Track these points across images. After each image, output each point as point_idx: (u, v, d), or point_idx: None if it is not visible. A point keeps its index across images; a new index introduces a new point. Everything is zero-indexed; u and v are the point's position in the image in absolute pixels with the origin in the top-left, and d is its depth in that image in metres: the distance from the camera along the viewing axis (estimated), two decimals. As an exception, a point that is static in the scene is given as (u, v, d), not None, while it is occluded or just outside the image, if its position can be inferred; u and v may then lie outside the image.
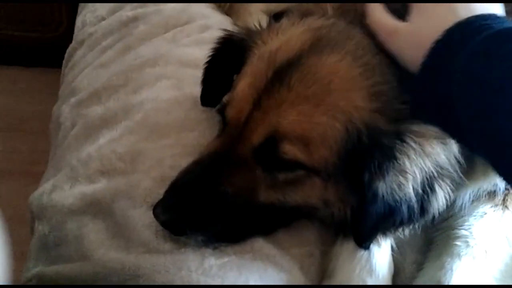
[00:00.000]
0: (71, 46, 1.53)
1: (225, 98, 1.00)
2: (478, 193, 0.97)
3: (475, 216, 0.95)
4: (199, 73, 1.05)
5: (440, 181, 0.82)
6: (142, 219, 0.89)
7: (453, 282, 0.85)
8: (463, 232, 0.93)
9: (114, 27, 1.44)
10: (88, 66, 1.34)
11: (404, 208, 0.80)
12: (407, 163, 0.79)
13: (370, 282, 0.85)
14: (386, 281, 0.88)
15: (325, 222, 0.91)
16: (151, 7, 1.50)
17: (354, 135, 0.79)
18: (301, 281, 0.87)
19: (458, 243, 0.91)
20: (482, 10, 0.78)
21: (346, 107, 0.79)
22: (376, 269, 0.87)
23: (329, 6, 0.99)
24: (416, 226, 0.85)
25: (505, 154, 0.69)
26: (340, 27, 0.89)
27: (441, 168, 0.82)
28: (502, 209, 0.98)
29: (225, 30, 1.02)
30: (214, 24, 1.40)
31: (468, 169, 0.88)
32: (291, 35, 0.88)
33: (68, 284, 0.87)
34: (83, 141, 1.11)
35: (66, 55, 1.53)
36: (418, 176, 0.80)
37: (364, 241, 0.85)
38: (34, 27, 2.62)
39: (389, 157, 0.79)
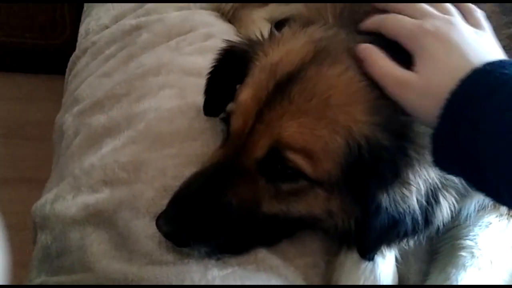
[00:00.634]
0: (74, 54, 1.53)
1: (228, 108, 1.00)
2: (483, 203, 0.96)
3: (480, 226, 0.95)
4: (202, 82, 1.05)
5: (445, 192, 0.82)
6: (145, 230, 0.89)
7: (459, 293, 0.84)
8: (468, 242, 0.92)
9: (117, 36, 1.44)
10: (91, 75, 1.34)
11: (408, 219, 0.80)
12: (410, 175, 0.79)
13: (374, 294, 0.85)
14: (391, 290, 0.87)
15: (329, 233, 0.91)
16: (154, 15, 1.50)
17: (355, 149, 0.79)
18: (305, 292, 0.87)
19: (463, 253, 0.91)
20: (493, 56, 0.76)
21: (346, 121, 0.79)
22: (381, 280, 0.86)
23: (330, 15, 0.99)
24: (421, 237, 0.85)
25: None
26: (341, 39, 0.89)
27: (445, 179, 0.82)
28: (507, 219, 0.97)
29: (227, 40, 1.02)
30: (217, 32, 1.40)
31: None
32: (292, 47, 0.88)
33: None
34: (86, 150, 1.11)
35: (69, 63, 1.53)
36: (422, 187, 0.80)
37: (368, 252, 0.85)
38: (38, 34, 2.63)
39: (391, 170, 0.78)
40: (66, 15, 2.56)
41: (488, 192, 0.75)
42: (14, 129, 2.32)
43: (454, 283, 0.86)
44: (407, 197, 0.79)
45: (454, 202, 0.83)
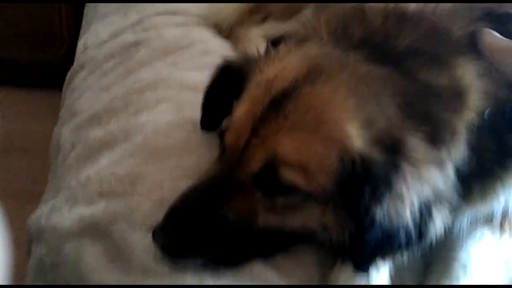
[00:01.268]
0: (72, 68, 1.55)
1: (223, 123, 1.01)
2: (476, 217, 0.97)
3: (473, 239, 0.96)
4: (199, 97, 1.07)
5: (438, 206, 0.83)
6: (141, 242, 0.89)
7: (452, 306, 0.85)
8: (461, 255, 0.93)
9: (115, 51, 1.46)
10: (89, 89, 1.36)
11: (402, 233, 0.81)
12: (404, 189, 0.80)
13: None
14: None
15: (324, 246, 0.91)
16: (153, 31, 1.52)
17: (349, 163, 0.80)
18: (300, 305, 0.87)
19: (456, 266, 0.91)
20: None
21: (339, 137, 0.81)
22: (374, 291, 0.87)
23: (324, 32, 1.01)
24: (415, 250, 0.86)
25: None
26: (334, 56, 0.90)
27: (439, 193, 0.83)
28: (500, 232, 0.98)
29: (224, 56, 1.04)
30: (214, 49, 1.43)
31: (465, 193, 0.89)
32: (287, 64, 0.90)
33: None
34: (82, 163, 1.11)
35: (67, 78, 1.54)
36: (415, 201, 0.80)
37: (362, 265, 0.86)
38: (36, 48, 2.65)
39: (384, 184, 0.79)
40: (64, 29, 2.58)
41: None
42: (12, 143, 2.32)
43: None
44: (401, 211, 0.80)
45: (448, 216, 0.84)
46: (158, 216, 0.88)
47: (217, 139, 1.03)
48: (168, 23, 1.53)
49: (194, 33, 1.53)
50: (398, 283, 0.93)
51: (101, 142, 1.15)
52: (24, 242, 1.05)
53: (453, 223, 0.95)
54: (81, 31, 1.75)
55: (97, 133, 1.18)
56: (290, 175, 0.81)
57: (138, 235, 0.91)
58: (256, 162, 0.84)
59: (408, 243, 0.82)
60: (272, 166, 0.82)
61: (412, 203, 0.80)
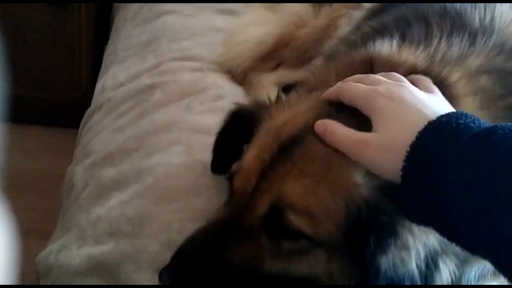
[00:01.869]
0: (89, 109, 1.60)
1: (233, 167, 1.03)
2: (484, 271, 0.96)
3: (480, 293, 0.94)
4: (210, 140, 1.09)
5: (444, 257, 0.82)
6: (147, 283, 0.90)
7: None
8: (468, 309, 0.91)
9: (132, 93, 1.50)
10: (104, 129, 1.39)
11: (408, 283, 0.80)
12: (410, 239, 0.80)
13: None
14: None
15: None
16: (168, 76, 1.57)
17: (355, 211, 0.81)
18: None
19: (463, 320, 0.90)
20: (446, 110, 0.80)
21: (346, 185, 0.82)
22: None
23: (333, 81, 1.04)
24: (421, 302, 0.85)
25: (505, 252, 0.68)
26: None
27: (445, 243, 0.82)
28: (503, 284, 0.97)
29: (236, 103, 1.07)
30: (227, 94, 1.46)
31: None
32: (297, 111, 0.92)
33: None
34: (93, 202, 1.13)
35: (84, 118, 1.59)
36: (421, 252, 0.80)
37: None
38: (55, 89, 2.73)
39: (390, 233, 0.80)
40: (83, 72, 2.67)
41: (462, 244, 0.76)
42: (27, 181, 2.36)
43: None
44: (406, 261, 0.79)
45: (454, 268, 0.84)
46: (165, 257, 0.89)
47: (226, 182, 1.04)
48: (183, 68, 1.58)
49: (208, 78, 1.57)
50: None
51: (113, 182, 1.17)
52: (32, 280, 1.06)
53: (460, 276, 0.94)
54: (100, 74, 1.81)
55: (109, 173, 1.21)
56: (296, 220, 0.82)
57: (145, 276, 0.92)
58: (263, 205, 0.85)
59: None
60: (278, 209, 0.83)
61: (418, 254, 0.80)
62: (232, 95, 1.43)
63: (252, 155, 0.90)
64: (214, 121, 1.14)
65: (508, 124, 0.73)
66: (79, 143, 1.49)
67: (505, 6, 1.09)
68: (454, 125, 0.75)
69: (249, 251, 0.86)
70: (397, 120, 0.81)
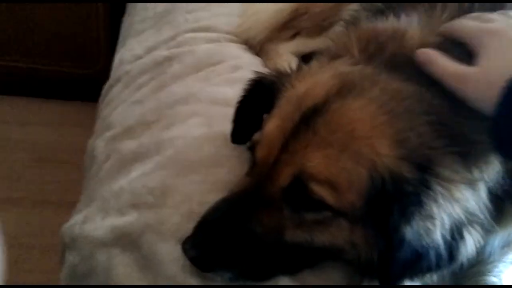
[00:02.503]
0: (108, 82, 1.60)
1: (255, 137, 1.03)
2: (508, 239, 0.95)
3: (504, 262, 0.93)
4: (229, 111, 1.08)
5: (469, 227, 0.82)
6: (170, 254, 0.91)
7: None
8: (492, 279, 0.91)
9: (149, 66, 1.50)
10: (123, 103, 1.39)
11: (432, 254, 0.80)
12: (434, 209, 0.79)
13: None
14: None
15: (351, 264, 0.91)
16: (185, 47, 1.55)
17: (378, 181, 0.80)
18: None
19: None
20: None
21: (369, 155, 0.80)
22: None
23: (356, 50, 1.02)
24: (444, 272, 0.84)
25: None
26: (366, 73, 0.91)
27: (470, 214, 0.81)
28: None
29: (256, 72, 1.05)
30: (245, 64, 1.44)
31: (497, 214, 0.87)
32: (318, 80, 0.91)
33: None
34: (115, 174, 1.14)
35: (103, 91, 1.59)
36: (446, 222, 0.80)
37: (389, 284, 0.85)
38: (73, 63, 2.74)
39: (414, 203, 0.79)
40: (101, 45, 2.67)
41: None
42: (48, 153, 2.40)
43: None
44: (431, 231, 0.79)
45: (479, 238, 0.83)
46: (187, 228, 0.90)
47: (247, 153, 1.04)
48: (200, 39, 1.56)
49: (225, 49, 1.55)
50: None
51: (134, 154, 1.17)
52: (58, 251, 1.08)
53: (484, 246, 0.94)
54: (118, 47, 1.80)
55: (130, 145, 1.21)
56: (319, 191, 0.82)
57: (167, 247, 0.92)
58: (285, 177, 0.84)
59: (438, 264, 0.81)
60: (300, 181, 0.83)
61: (442, 224, 0.79)
62: (250, 66, 1.41)
63: (273, 125, 0.89)
64: (232, 92, 1.13)
65: None
66: (99, 116, 1.49)
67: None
68: None
69: (271, 221, 0.86)
70: (500, 57, 0.85)
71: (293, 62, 1.46)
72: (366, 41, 1.00)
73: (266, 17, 1.64)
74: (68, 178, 1.95)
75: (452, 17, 1.00)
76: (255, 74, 1.05)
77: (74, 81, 2.75)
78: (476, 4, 1.03)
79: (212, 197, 0.94)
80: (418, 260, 0.80)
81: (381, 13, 1.15)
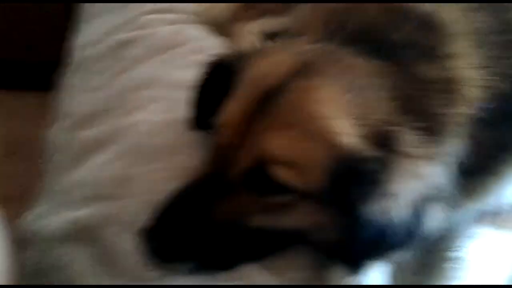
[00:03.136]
0: (64, 69, 1.53)
1: (214, 121, 0.99)
2: (476, 214, 0.94)
3: (469, 237, 0.93)
4: (192, 95, 1.04)
5: (433, 203, 0.80)
6: (130, 246, 0.88)
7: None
8: (457, 254, 0.90)
9: (109, 50, 1.43)
10: (81, 90, 1.33)
11: (396, 232, 0.78)
12: (396, 186, 0.77)
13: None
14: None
15: (318, 247, 0.89)
16: (147, 29, 1.49)
17: (340, 161, 0.78)
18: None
19: (452, 265, 0.89)
20: None
21: (330, 134, 0.78)
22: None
23: (319, 27, 0.98)
24: (410, 249, 0.83)
25: None
26: (327, 50, 0.87)
27: (434, 189, 0.80)
28: (500, 229, 0.96)
29: (216, 54, 1.01)
30: (209, 46, 1.40)
31: (464, 189, 0.86)
32: (278, 60, 0.87)
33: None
34: (73, 165, 1.09)
35: (59, 78, 1.52)
36: (409, 198, 0.78)
37: (356, 266, 0.83)
38: (26, 50, 2.62)
39: (376, 181, 0.77)
40: (56, 30, 2.54)
41: None
42: (6, 147, 2.31)
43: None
44: (393, 209, 0.77)
45: (444, 213, 0.82)
46: (148, 218, 0.86)
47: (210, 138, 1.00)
48: (161, 21, 1.50)
49: (187, 31, 1.49)
50: (395, 283, 0.90)
51: (93, 143, 1.13)
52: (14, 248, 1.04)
53: (451, 221, 0.93)
54: (74, 32, 1.72)
55: (89, 133, 1.16)
56: (281, 173, 0.79)
57: (127, 238, 0.89)
58: (246, 161, 0.81)
59: (403, 241, 0.80)
60: (262, 164, 0.80)
61: (405, 200, 0.78)
62: (214, 48, 1.37)
63: (232, 108, 0.86)
64: (196, 75, 1.09)
65: None
66: (56, 104, 1.43)
67: None
68: None
69: (233, 207, 0.83)
70: None
71: (257, 42, 1.42)
72: (327, 18, 0.97)
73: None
74: (22, 172, 1.88)
75: None
76: (214, 56, 1.01)
77: (28, 69, 2.63)
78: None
79: (174, 185, 0.90)
80: (381, 239, 0.78)
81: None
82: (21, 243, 1.02)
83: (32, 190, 1.28)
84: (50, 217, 0.98)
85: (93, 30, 1.55)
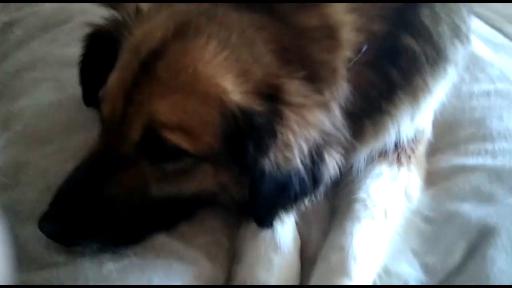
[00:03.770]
0: None
1: (100, 94, 0.95)
2: (371, 155, 0.98)
3: (371, 177, 0.97)
4: (81, 72, 0.99)
5: (329, 149, 0.81)
6: (31, 234, 0.83)
7: (354, 245, 0.86)
8: (361, 195, 0.94)
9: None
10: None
11: (295, 181, 0.79)
12: (290, 136, 0.78)
13: (276, 259, 0.85)
14: (292, 254, 0.87)
15: (227, 208, 0.89)
16: (27, 9, 1.39)
17: (230, 118, 0.77)
18: (209, 269, 0.85)
19: (357, 206, 0.92)
20: None
21: (216, 94, 0.77)
22: (281, 245, 0.86)
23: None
24: (313, 196, 0.85)
25: None
26: (203, 9, 0.85)
27: (327, 135, 0.81)
28: (398, 166, 1.01)
29: (91, 24, 0.96)
30: (96, 19, 1.33)
31: (357, 131, 0.89)
32: (154, 23, 0.85)
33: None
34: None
35: None
36: (304, 147, 0.79)
37: (264, 220, 0.84)
38: None
39: (268, 134, 0.77)
40: None
41: None
42: None
43: (349, 236, 0.87)
44: (289, 158, 0.78)
45: (341, 158, 0.83)
46: (47, 204, 0.82)
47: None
48: (43, -2, 1.41)
49: (73, 6, 1.41)
50: (305, 231, 0.93)
51: (-19, 133, 1.04)
52: None
53: (352, 165, 0.96)
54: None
55: (-25, 125, 1.07)
56: (172, 138, 0.77)
57: (28, 227, 0.84)
58: (135, 131, 0.79)
59: (304, 190, 0.81)
60: (152, 132, 0.78)
61: (300, 149, 0.78)
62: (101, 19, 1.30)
63: (114, 79, 0.83)
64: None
65: None
66: None
67: None
68: None
69: (130, 180, 0.81)
70: None
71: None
72: None
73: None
74: None
75: None
76: (90, 27, 0.96)
77: None
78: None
79: (70, 166, 0.86)
80: (283, 190, 0.79)
81: None
82: None
83: None
84: None
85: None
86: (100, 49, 0.94)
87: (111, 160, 0.80)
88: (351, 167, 0.97)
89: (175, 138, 0.77)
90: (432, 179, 1.05)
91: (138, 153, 0.80)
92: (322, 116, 0.80)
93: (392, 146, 0.98)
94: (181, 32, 0.81)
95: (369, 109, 0.91)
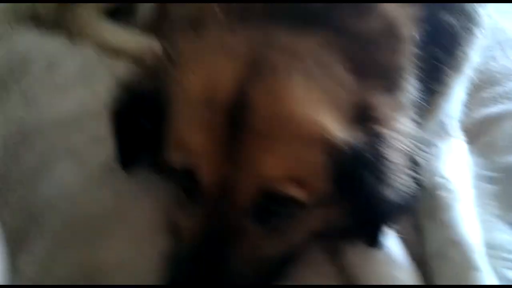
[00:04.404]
0: None
1: (163, 158, 0.79)
2: (432, 133, 0.98)
3: (440, 160, 0.97)
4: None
5: (418, 151, 0.80)
6: None
7: (463, 235, 0.86)
8: (439, 180, 0.94)
9: None
10: None
11: (406, 193, 0.77)
12: (393, 154, 0.75)
13: (398, 274, 0.83)
14: (408, 263, 0.85)
15: (325, 239, 0.84)
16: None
17: (338, 156, 0.71)
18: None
19: (442, 193, 0.92)
20: None
21: (319, 132, 0.70)
22: (397, 258, 0.84)
23: (217, 11, 0.83)
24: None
25: None
26: (261, 40, 0.75)
27: (413, 137, 0.79)
28: (447, 137, 1.02)
29: (119, 79, 0.82)
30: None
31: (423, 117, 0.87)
32: (215, 67, 0.73)
33: None
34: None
35: None
36: (404, 159, 0.77)
37: (375, 240, 0.82)
38: None
39: (377, 159, 0.73)
40: None
41: None
42: None
43: (456, 227, 0.86)
44: (401, 178, 0.76)
45: (427, 154, 0.83)
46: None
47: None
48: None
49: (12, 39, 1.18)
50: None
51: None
52: None
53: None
54: None
55: None
56: (289, 193, 0.70)
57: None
58: (246, 196, 0.70)
59: (413, 198, 0.79)
60: (266, 193, 0.70)
61: (404, 164, 0.76)
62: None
63: (196, 140, 0.71)
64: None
65: None
66: None
67: None
68: None
69: (249, 248, 0.72)
70: None
71: (112, 31, 1.21)
72: None
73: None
74: None
75: None
76: (118, 80, 0.82)
77: None
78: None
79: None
80: (399, 208, 0.78)
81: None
82: None
83: None
84: None
85: None
86: (132, 105, 0.81)
87: (225, 232, 0.72)
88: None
89: (290, 191, 0.70)
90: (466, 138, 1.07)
91: (250, 217, 0.72)
92: (404, 120, 0.78)
93: (446, 121, 0.99)
94: (255, 71, 0.71)
95: (425, 93, 0.89)
